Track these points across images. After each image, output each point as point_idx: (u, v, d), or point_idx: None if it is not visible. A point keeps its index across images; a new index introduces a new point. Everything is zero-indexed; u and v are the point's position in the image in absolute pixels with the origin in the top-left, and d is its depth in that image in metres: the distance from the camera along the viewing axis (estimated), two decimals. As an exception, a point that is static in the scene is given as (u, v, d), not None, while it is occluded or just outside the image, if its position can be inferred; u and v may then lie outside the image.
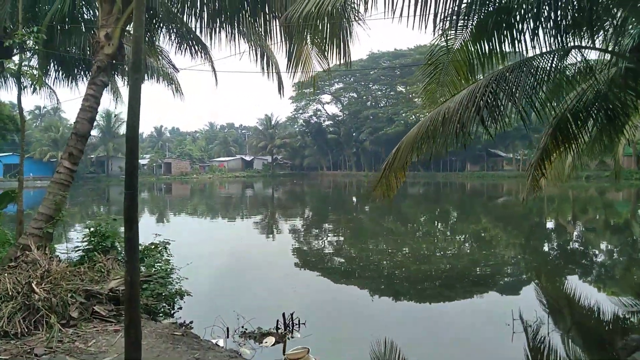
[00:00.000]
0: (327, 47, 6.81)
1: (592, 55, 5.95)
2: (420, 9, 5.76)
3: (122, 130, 68.26)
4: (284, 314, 6.14)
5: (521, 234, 17.13)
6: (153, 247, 6.84)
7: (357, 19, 6.14)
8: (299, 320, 6.28)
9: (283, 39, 8.20)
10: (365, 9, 6.22)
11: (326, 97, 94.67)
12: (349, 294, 9.09)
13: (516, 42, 6.44)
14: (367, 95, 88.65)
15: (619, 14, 4.72)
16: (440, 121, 6.45)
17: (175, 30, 9.16)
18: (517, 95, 5.74)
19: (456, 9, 6.18)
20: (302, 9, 6.06)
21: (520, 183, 51.89)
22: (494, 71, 6.13)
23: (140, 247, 6.83)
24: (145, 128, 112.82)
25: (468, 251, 13.96)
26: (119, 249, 6.72)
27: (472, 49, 7.26)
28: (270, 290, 9.06)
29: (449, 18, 6.76)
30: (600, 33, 5.16)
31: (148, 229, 9.04)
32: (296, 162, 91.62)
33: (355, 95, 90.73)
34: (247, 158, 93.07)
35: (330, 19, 6.37)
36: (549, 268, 11.33)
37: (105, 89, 7.18)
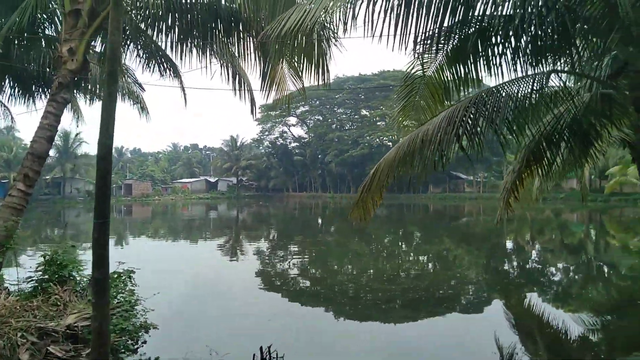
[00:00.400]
0: (303, 67, 6.64)
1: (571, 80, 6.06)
2: (401, 30, 5.72)
3: (81, 150, 65.81)
4: (261, 348, 5.75)
5: (483, 254, 17.44)
6: (116, 276, 6.29)
7: (335, 39, 6.00)
8: (276, 354, 5.91)
9: (257, 59, 8.00)
10: (345, 30, 6.15)
11: (292, 120, 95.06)
12: (319, 318, 8.93)
13: (492, 66, 6.52)
14: (332, 118, 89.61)
15: (597, 41, 4.82)
16: (419, 144, 6.36)
17: (143, 47, 8.80)
18: (497, 121, 5.73)
19: (435, 31, 6.17)
20: (280, 28, 5.89)
21: (481, 204, 53.44)
22: (473, 95, 6.12)
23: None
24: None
25: (431, 271, 14.12)
26: (78, 279, 6.17)
27: (448, 73, 7.31)
28: (241, 319, 8.64)
29: (427, 41, 6.79)
30: (583, 57, 5.25)
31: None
32: (262, 184, 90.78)
33: (321, 118, 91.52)
34: (212, 179, 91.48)
35: (309, 40, 6.23)
36: (511, 287, 11.71)
37: (66, 107, 6.72)
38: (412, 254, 18.58)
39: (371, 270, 13.87)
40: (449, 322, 8.61)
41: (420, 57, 7.51)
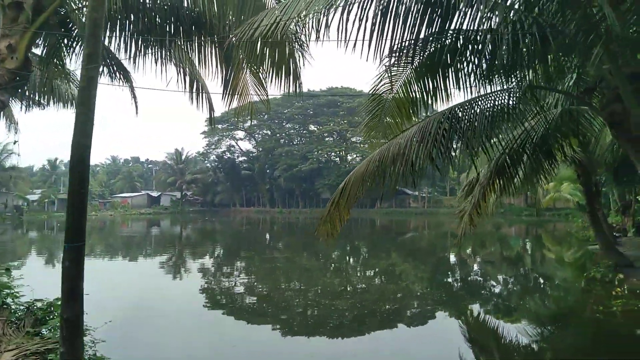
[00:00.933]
0: (272, 75, 6.31)
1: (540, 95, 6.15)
2: (376, 40, 5.56)
3: (10, 162, 60.75)
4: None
5: (428, 268, 17.81)
6: (59, 303, 5.51)
7: (307, 46, 5.74)
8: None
9: (219, 66, 7.58)
10: (317, 37, 5.91)
11: (240, 133, 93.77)
12: (271, 338, 8.70)
13: (461, 80, 6.53)
14: (281, 133, 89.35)
15: (569, 58, 4.90)
16: (391, 159, 6.22)
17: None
18: (468, 135, 5.69)
19: (410, 42, 6.07)
20: (250, 32, 5.56)
21: (426, 219, 54.98)
22: (446, 109, 6.07)
23: (40, 304, 5.54)
24: (37, 161, 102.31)
25: (378, 286, 14.23)
26: (13, 307, 5.35)
27: (416, 87, 7.26)
28: (201, 347, 7.95)
29: (401, 52, 6.71)
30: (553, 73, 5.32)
31: (36, 275, 7.60)
32: (207, 199, 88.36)
33: (269, 133, 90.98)
34: (154, 194, 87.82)
35: (280, 46, 5.93)
36: (455, 300, 12.09)
37: (2, 110, 5.94)
38: (359, 268, 18.69)
39: (318, 286, 13.79)
40: (395, 335, 8.84)
41: (388, 70, 7.42)
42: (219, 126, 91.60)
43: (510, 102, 5.42)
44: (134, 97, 9.10)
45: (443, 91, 6.91)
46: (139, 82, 9.36)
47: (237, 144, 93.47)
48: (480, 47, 5.57)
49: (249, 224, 52.56)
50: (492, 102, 5.53)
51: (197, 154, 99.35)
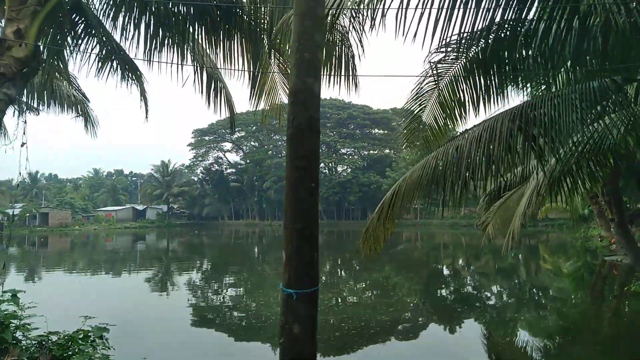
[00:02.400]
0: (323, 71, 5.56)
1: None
2: (442, 27, 4.90)
3: None
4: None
5: (419, 280, 17.29)
6: (82, 335, 4.58)
7: (364, 36, 5.03)
8: None
9: (246, 63, 6.82)
10: (372, 26, 5.23)
11: (227, 145, 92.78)
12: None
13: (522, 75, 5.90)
14: (269, 144, 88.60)
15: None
16: (450, 163, 5.53)
17: (99, 45, 7.30)
18: (552, 133, 4.99)
19: (467, 32, 5.41)
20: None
21: (418, 231, 54.47)
22: (515, 107, 5.39)
23: (56, 337, 4.62)
24: (15, 173, 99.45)
25: (370, 299, 13.94)
26: (24, 343, 4.42)
27: (465, 85, 6.62)
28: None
29: (452, 45, 6.07)
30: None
31: (44, 300, 6.70)
32: (195, 212, 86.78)
33: (257, 144, 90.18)
34: (139, 207, 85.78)
35: (330, 35, 5.21)
36: (451, 312, 11.81)
37: (10, 106, 5.08)
38: (350, 281, 18.25)
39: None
40: (390, 349, 8.61)
41: (434, 66, 6.77)
42: (206, 138, 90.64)
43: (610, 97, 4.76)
44: (145, 99, 8.25)
45: (496, 90, 6.31)
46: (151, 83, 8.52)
47: (224, 155, 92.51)
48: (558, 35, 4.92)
49: (238, 237, 51.36)
50: (577, 98, 4.86)
51: (183, 166, 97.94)
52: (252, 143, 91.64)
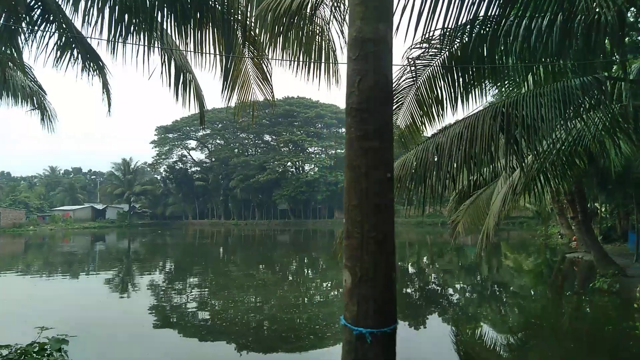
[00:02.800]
0: (295, 62, 5.30)
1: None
2: (426, 20, 4.75)
3: None
4: None
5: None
6: (37, 348, 4.07)
7: (343, 26, 4.81)
8: None
9: (218, 55, 6.47)
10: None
11: (192, 143, 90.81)
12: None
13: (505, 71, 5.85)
14: (235, 142, 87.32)
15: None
16: (424, 162, 5.43)
17: (58, 32, 6.77)
18: (530, 132, 4.95)
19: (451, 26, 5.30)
20: (275, 4, 4.60)
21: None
22: (494, 104, 5.32)
23: (7, 352, 4.12)
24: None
25: (337, 297, 13.72)
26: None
27: (443, 82, 6.53)
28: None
29: (432, 41, 5.95)
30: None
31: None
32: (157, 211, 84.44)
33: (223, 143, 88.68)
34: (99, 207, 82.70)
35: (309, 27, 4.97)
36: (415, 308, 11.90)
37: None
38: (317, 280, 18.16)
39: (274, 300, 13.20)
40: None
41: (412, 62, 6.66)
42: (170, 135, 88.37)
43: (585, 95, 4.74)
44: (107, 92, 7.76)
45: (475, 88, 6.25)
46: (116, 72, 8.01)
47: (189, 153, 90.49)
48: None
49: (204, 237, 50.26)
50: (559, 95, 4.83)
51: (146, 165, 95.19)
52: (218, 141, 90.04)
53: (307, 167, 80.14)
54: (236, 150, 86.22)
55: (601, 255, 12.73)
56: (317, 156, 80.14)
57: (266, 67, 6.86)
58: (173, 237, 50.80)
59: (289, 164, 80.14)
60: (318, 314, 11.08)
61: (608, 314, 10.37)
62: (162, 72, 6.87)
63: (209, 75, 6.76)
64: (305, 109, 78.59)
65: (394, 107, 7.34)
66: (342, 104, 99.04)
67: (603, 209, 22.76)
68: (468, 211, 12.11)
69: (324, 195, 70.20)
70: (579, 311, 11.33)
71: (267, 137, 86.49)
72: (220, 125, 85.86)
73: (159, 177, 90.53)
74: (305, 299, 13.23)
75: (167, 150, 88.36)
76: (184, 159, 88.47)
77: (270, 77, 6.90)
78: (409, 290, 15.28)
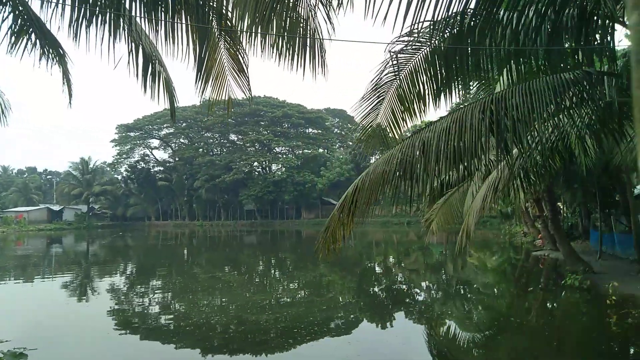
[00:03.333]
0: (278, 52, 4.98)
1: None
2: (416, 9, 4.57)
3: None
4: None
5: (352, 278, 17.44)
6: None
7: (330, 12, 4.55)
8: None
9: (191, 44, 6.07)
10: (340, 4, 4.77)
11: (154, 142, 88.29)
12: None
13: (485, 66, 5.74)
14: (199, 142, 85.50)
15: None
16: (419, 154, 5.25)
17: (13, 15, 6.21)
18: (520, 128, 4.84)
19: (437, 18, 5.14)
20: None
21: (352, 230, 54.95)
22: (484, 97, 5.20)
23: None
24: None
25: (304, 298, 13.82)
26: None
27: (425, 77, 6.39)
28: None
29: (413, 34, 5.79)
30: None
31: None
32: (118, 212, 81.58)
33: (187, 142, 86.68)
34: (55, 208, 79.02)
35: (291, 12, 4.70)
36: (380, 308, 11.95)
37: None
38: (284, 281, 18.00)
39: (240, 301, 13.03)
40: (322, 346, 8.48)
41: (395, 56, 6.50)
42: (131, 134, 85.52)
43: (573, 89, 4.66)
44: (68, 82, 7.20)
45: (457, 80, 6.14)
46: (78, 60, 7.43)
47: (152, 153, 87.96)
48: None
49: (167, 238, 48.80)
50: (549, 89, 4.74)
51: (106, 164, 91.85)
52: (182, 140, 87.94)
53: (274, 167, 79.46)
54: (201, 149, 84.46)
55: (570, 253, 13.05)
56: (284, 156, 79.63)
57: (242, 59, 6.52)
58: (135, 238, 49.08)
59: (256, 163, 79.21)
60: (285, 315, 10.97)
61: (583, 310, 10.55)
62: (129, 62, 6.40)
63: (179, 69, 6.32)
64: (272, 109, 77.93)
65: (375, 103, 7.16)
66: (309, 104, 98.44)
67: (564, 208, 23.51)
68: (441, 210, 12.14)
69: (292, 195, 69.74)
70: (555, 308, 11.45)
71: (233, 137, 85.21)
72: (184, 124, 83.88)
73: (119, 177, 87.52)
74: (272, 301, 13.08)
75: (129, 149, 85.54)
76: (147, 158, 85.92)
77: (247, 68, 6.55)
78: (375, 290, 15.25)
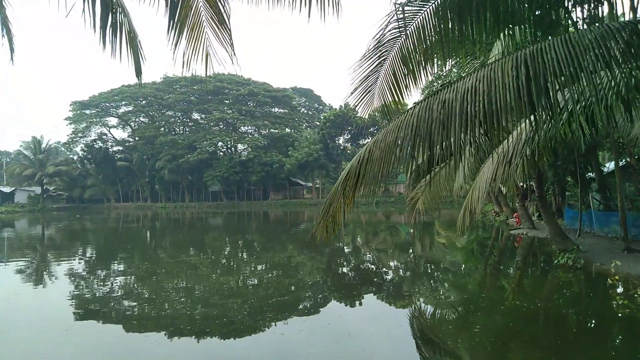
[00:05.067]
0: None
1: None
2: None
3: None
4: None
5: (322, 259, 16.99)
6: None
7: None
8: None
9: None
10: None
11: (113, 120, 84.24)
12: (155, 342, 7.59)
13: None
14: (160, 120, 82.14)
15: None
16: (437, 121, 4.52)
17: None
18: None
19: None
20: None
21: (320, 210, 54.18)
22: (511, 55, 4.45)
23: None
24: None
25: (273, 279, 13.44)
26: None
27: (434, 32, 5.60)
28: None
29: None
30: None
31: None
32: (75, 194, 77.82)
33: (147, 120, 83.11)
34: (6, 189, 74.40)
35: None
36: (349, 288, 11.71)
37: None
38: (252, 263, 17.38)
39: (206, 284, 12.68)
40: (292, 326, 8.31)
41: (401, 9, 5.67)
42: (87, 111, 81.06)
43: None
44: (8, 32, 5.99)
45: (474, 35, 5.39)
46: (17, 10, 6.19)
47: (109, 132, 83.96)
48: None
49: (128, 221, 46.74)
50: (594, 42, 4.04)
51: (60, 144, 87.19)
52: (142, 119, 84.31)
53: (240, 147, 77.61)
54: (162, 128, 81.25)
55: (557, 231, 12.84)
56: (251, 136, 77.86)
57: (223, 7, 5.51)
58: (94, 221, 46.72)
59: (220, 143, 77.09)
60: (252, 297, 10.61)
61: (585, 291, 10.18)
62: (84, 9, 5.26)
63: (151, 9, 5.26)
64: (237, 86, 75.66)
65: (376, 64, 6.30)
66: (275, 82, 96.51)
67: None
68: (428, 188, 11.56)
69: (259, 176, 68.37)
70: (556, 290, 10.71)
71: (196, 116, 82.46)
72: (144, 102, 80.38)
73: (75, 158, 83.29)
74: (239, 282, 12.69)
75: (85, 128, 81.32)
76: (104, 137, 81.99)
77: (229, 19, 5.55)
78: (344, 270, 14.77)
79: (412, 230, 29.35)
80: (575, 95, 4.86)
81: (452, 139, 4.40)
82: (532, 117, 4.36)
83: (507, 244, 18.71)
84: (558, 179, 18.46)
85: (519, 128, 6.04)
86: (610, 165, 20.60)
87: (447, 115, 4.46)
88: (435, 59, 5.96)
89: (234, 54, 5.65)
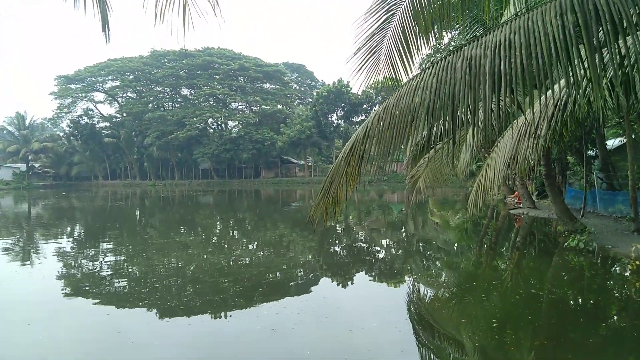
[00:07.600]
0: None
1: None
2: None
3: None
4: None
5: (313, 238, 16.43)
6: None
7: None
8: None
9: None
10: None
11: (99, 95, 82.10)
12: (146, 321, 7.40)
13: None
14: (149, 96, 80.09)
15: None
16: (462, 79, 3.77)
17: None
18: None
19: None
20: None
21: (312, 188, 53.48)
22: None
23: None
24: None
25: (265, 258, 13.10)
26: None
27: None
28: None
29: None
30: None
31: None
32: (61, 171, 76.32)
33: (135, 96, 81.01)
34: (-11, 166, 72.81)
35: None
36: (342, 267, 11.42)
37: None
38: (244, 241, 16.94)
39: (198, 262, 12.38)
40: (281, 306, 7.98)
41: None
42: (72, 86, 78.73)
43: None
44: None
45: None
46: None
47: (96, 107, 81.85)
48: None
49: (117, 199, 45.71)
50: None
51: (45, 119, 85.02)
52: (130, 94, 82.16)
53: (230, 124, 76.20)
54: (151, 104, 79.35)
55: (564, 212, 12.25)
56: (241, 112, 76.41)
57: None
58: (81, 199, 45.71)
59: (210, 120, 75.63)
60: (243, 276, 10.29)
61: (603, 277, 9.35)
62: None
63: None
64: (228, 61, 73.77)
65: (383, 20, 5.48)
66: (267, 57, 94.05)
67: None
68: (429, 166, 10.87)
69: (250, 153, 67.29)
70: (572, 275, 9.83)
71: (185, 91, 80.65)
72: (132, 77, 78.20)
73: (61, 134, 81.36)
74: (231, 262, 12.34)
75: (70, 103, 79.24)
76: (90, 113, 79.97)
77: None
78: (336, 249, 14.27)
79: (469, 208, 28.43)
80: (621, 53, 4.11)
81: (481, 103, 3.66)
82: (577, 76, 3.61)
83: (512, 225, 18.05)
84: (560, 156, 17.84)
85: (546, 94, 5.30)
86: (613, 143, 20.03)
87: (474, 76, 3.70)
88: (453, 13, 5.14)
89: (217, 3, 4.79)
